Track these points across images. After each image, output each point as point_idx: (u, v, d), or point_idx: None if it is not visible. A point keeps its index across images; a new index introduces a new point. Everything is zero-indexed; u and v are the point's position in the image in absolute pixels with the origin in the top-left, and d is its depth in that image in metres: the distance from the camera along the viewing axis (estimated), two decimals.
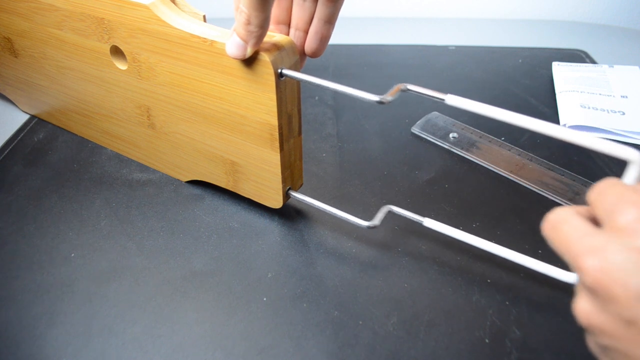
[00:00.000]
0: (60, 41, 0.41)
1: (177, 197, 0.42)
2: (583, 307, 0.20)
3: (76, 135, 0.49)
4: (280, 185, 0.36)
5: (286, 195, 0.38)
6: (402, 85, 0.29)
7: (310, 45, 0.35)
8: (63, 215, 0.40)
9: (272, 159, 0.35)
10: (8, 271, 0.35)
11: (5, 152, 0.47)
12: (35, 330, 0.32)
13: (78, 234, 0.38)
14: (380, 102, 0.29)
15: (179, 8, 0.35)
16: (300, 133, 0.36)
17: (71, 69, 0.43)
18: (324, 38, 0.35)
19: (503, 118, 0.26)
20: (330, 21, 0.34)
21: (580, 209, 0.22)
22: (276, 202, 0.38)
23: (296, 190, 0.39)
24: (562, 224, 0.21)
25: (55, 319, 0.32)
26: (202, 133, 0.38)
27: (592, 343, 0.22)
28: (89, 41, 0.39)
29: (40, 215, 0.40)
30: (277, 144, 0.34)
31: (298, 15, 0.34)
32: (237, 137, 0.36)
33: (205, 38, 0.32)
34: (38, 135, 0.49)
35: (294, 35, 0.35)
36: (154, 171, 0.45)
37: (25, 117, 0.52)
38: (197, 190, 0.42)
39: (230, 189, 0.40)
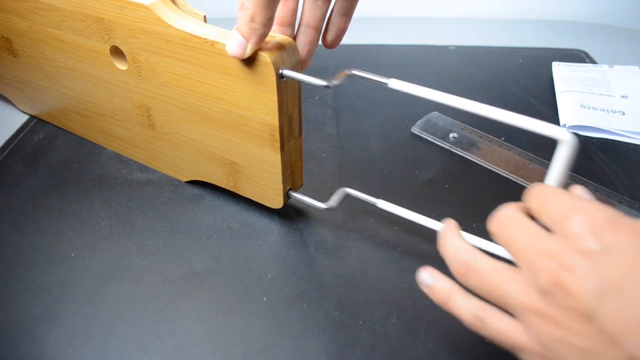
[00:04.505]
0: (59, 41, 0.41)
1: (177, 197, 0.42)
2: (530, 302, 0.21)
3: (76, 135, 0.49)
4: (280, 186, 0.36)
5: (286, 196, 0.38)
6: (347, 71, 0.31)
7: (329, 36, 0.36)
8: (63, 215, 0.40)
9: (273, 159, 0.35)
10: (8, 271, 0.35)
11: (5, 152, 0.47)
12: (35, 330, 0.32)
13: (78, 234, 0.38)
14: (326, 87, 0.30)
15: (180, 8, 0.35)
16: (300, 134, 0.36)
17: (71, 69, 0.43)
18: (341, 30, 0.36)
19: (443, 101, 0.27)
20: (347, 14, 0.35)
21: (523, 206, 0.24)
22: (276, 203, 0.38)
23: (296, 190, 0.39)
24: (514, 224, 0.23)
25: (55, 319, 0.32)
26: (203, 133, 0.38)
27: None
28: (88, 41, 0.39)
29: (40, 215, 0.40)
30: (277, 144, 0.34)
31: (309, 14, 0.34)
32: (238, 137, 0.36)
33: (205, 38, 0.32)
34: (38, 135, 0.49)
35: (305, 33, 0.35)
36: (154, 171, 0.45)
37: (25, 117, 0.52)
38: (197, 190, 0.42)
39: (231, 189, 0.40)
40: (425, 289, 0.26)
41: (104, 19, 0.37)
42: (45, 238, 0.38)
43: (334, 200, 0.37)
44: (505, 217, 0.23)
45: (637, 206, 0.40)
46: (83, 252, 0.37)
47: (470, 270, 0.23)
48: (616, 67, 0.60)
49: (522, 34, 0.75)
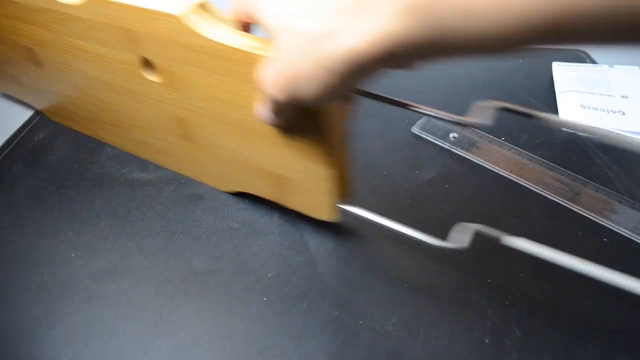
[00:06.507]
0: (84, 52, 0.38)
1: (177, 197, 0.42)
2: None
3: (76, 135, 0.49)
4: (332, 199, 0.34)
5: (338, 209, 0.35)
6: (496, 103, 0.27)
7: None
8: (63, 215, 0.40)
9: (321, 172, 0.33)
10: (8, 271, 0.35)
11: (6, 152, 0.47)
12: (35, 330, 0.32)
13: (78, 234, 0.38)
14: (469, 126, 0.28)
15: (213, 15, 0.32)
16: (348, 145, 0.34)
17: (98, 80, 0.40)
18: None
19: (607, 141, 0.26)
20: None
21: None
22: (328, 215, 0.36)
23: (346, 201, 0.36)
24: None
25: (55, 319, 0.32)
26: (245, 146, 0.35)
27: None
28: (115, 52, 0.36)
29: (40, 215, 0.40)
30: (325, 157, 0.32)
31: None
32: (283, 150, 0.33)
33: (243, 50, 0.29)
34: (38, 135, 0.49)
35: None
36: (154, 171, 0.45)
37: (26, 116, 0.52)
38: (197, 190, 0.42)
39: (277, 202, 0.38)
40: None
41: (129, 29, 0.34)
42: (45, 238, 0.38)
43: (466, 241, 0.29)
44: None
45: (637, 206, 0.40)
46: (83, 252, 0.37)
47: None
48: (616, 67, 0.60)
49: None
